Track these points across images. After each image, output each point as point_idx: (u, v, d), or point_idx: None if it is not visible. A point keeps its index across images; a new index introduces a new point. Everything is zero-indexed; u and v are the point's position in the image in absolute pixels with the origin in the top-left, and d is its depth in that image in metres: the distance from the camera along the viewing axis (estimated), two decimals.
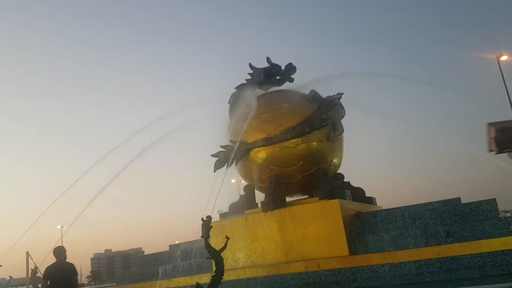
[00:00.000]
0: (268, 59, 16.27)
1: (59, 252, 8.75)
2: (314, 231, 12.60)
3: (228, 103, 17.15)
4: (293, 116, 14.22)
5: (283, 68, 15.94)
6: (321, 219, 12.60)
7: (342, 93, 14.82)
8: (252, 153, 14.43)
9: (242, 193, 16.09)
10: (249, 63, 16.56)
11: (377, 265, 10.64)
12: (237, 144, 14.42)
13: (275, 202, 13.63)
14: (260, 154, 14.30)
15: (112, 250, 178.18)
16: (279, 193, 14.11)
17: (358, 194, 14.62)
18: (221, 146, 14.90)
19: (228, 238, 10.77)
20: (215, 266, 10.55)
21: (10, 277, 20.34)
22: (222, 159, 14.78)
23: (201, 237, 10.76)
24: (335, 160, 14.79)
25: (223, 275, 10.44)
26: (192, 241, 16.55)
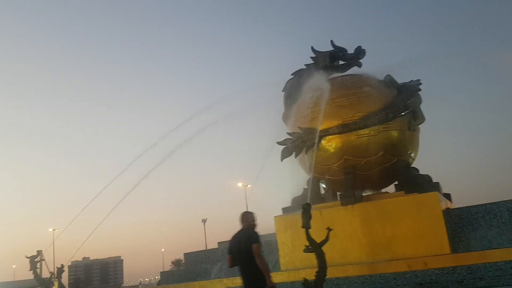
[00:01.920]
0: (332, 42, 15.01)
1: (243, 218, 7.04)
2: (408, 227, 11.24)
3: (283, 91, 15.88)
4: (373, 101, 12.90)
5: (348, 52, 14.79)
6: (416, 214, 11.26)
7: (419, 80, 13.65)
8: (324, 142, 13.04)
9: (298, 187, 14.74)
10: (312, 47, 15.27)
11: (500, 262, 9.28)
12: (307, 132, 13.06)
13: (356, 195, 12.27)
14: (334, 143, 12.92)
15: (90, 258, 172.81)
16: (356, 186, 12.75)
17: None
18: (289, 134, 13.49)
19: (330, 230, 9.37)
20: (318, 260, 9.17)
21: None
22: (290, 148, 13.37)
23: (302, 227, 9.38)
24: (414, 151, 13.50)
25: (327, 271, 9.10)
26: None
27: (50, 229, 78.60)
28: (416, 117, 13.26)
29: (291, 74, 15.68)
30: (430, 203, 11.19)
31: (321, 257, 9.17)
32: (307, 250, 9.43)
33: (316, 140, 12.88)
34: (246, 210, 7.48)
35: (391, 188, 13.86)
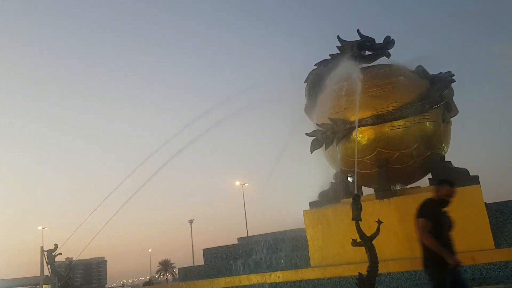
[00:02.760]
0: (359, 32, 14.54)
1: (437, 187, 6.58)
2: None
3: (305, 82, 15.37)
4: (408, 91, 12.44)
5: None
6: (458, 208, 10.74)
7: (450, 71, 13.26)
8: (355, 133, 12.54)
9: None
10: (338, 36, 14.79)
11: None
12: (338, 122, 12.56)
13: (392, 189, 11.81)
14: (367, 134, 12.41)
15: (74, 259, 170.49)
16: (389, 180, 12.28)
17: None
18: (318, 125, 12.96)
19: (380, 222, 8.87)
20: (369, 255, 8.67)
21: None
22: (320, 139, 12.85)
23: (352, 219, 8.87)
24: (446, 145, 13.07)
25: (378, 265, 8.61)
26: (267, 233, 14.57)
27: (40, 227, 77.59)
28: (449, 109, 12.84)
29: (315, 65, 15.19)
30: (472, 196, 10.76)
31: (372, 251, 8.69)
32: (355, 244, 8.92)
33: (356, 129, 12.40)
34: (444, 179, 6.85)
35: (420, 182, 13.47)
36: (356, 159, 11.08)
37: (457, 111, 13.00)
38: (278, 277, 11.39)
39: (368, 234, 9.10)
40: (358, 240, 8.96)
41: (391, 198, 11.56)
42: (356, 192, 9.21)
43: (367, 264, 8.92)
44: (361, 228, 8.77)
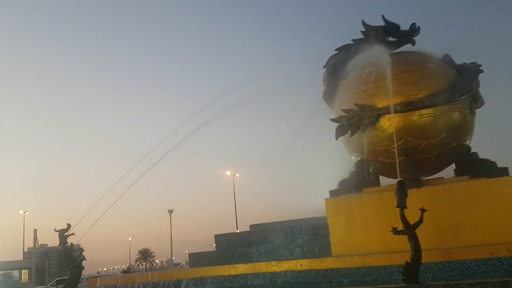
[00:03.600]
0: (384, 17, 14.14)
1: None
2: (479, 213, 10.52)
3: (324, 67, 14.95)
4: (438, 79, 12.11)
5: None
6: (489, 199, 10.55)
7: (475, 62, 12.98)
8: (383, 120, 12.17)
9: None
10: (362, 20, 14.36)
11: None
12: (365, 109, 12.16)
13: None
14: (395, 122, 12.04)
15: (48, 245, 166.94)
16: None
17: None
18: (343, 110, 12.54)
19: (424, 210, 8.54)
20: (412, 243, 8.34)
21: None
22: (346, 125, 12.43)
23: (397, 206, 8.52)
24: (471, 136, 12.80)
25: (421, 254, 8.28)
26: (281, 221, 14.16)
27: (21, 211, 75.88)
28: (476, 100, 12.57)
29: (335, 50, 14.77)
30: (505, 188, 10.50)
31: (416, 240, 8.35)
32: (397, 232, 8.60)
33: (373, 120, 12.05)
34: None
35: (443, 173, 13.21)
36: (395, 147, 10.68)
37: (483, 102, 12.74)
38: (301, 265, 10.98)
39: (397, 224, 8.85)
40: (399, 228, 8.65)
41: (420, 188, 11.21)
42: (401, 179, 8.75)
43: (409, 254, 8.63)
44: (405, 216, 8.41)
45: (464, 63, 13.03)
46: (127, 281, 12.76)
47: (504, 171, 11.23)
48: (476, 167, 11.64)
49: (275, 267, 11.00)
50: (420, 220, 8.40)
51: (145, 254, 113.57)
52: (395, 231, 8.56)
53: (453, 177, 12.22)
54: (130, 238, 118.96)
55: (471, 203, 10.67)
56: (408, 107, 11.83)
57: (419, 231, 11.03)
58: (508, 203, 10.35)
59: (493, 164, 11.63)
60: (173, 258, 79.49)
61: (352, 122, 12.30)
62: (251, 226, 14.24)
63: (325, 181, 14.66)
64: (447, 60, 12.87)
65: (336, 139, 12.62)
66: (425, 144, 12.04)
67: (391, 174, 13.25)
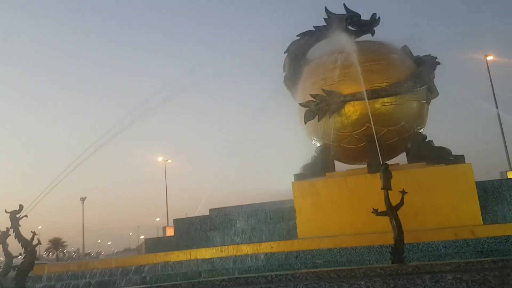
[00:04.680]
0: (345, 6, 14.46)
1: None
2: (440, 197, 11.19)
3: (285, 52, 15.02)
4: (401, 69, 12.65)
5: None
6: (449, 185, 11.24)
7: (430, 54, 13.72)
8: (348, 107, 12.47)
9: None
10: (325, 7, 14.58)
11: None
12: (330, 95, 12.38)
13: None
14: (360, 109, 12.40)
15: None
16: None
17: None
18: (312, 95, 12.65)
19: (404, 192, 8.88)
20: (395, 224, 8.64)
21: None
22: (314, 110, 12.56)
23: (382, 188, 8.77)
24: (425, 125, 13.54)
25: (403, 234, 8.62)
26: (243, 205, 14.07)
27: None
28: (431, 91, 13.30)
29: (297, 35, 14.86)
30: (464, 174, 11.26)
31: (398, 221, 8.67)
32: (379, 214, 8.88)
33: (339, 106, 12.32)
34: None
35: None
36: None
37: (438, 93, 13.50)
38: (272, 247, 11.01)
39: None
40: (380, 210, 8.94)
41: None
42: (385, 162, 9.03)
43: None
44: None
45: (418, 55, 13.74)
46: (79, 268, 12.02)
47: (460, 159, 11.99)
48: (432, 154, 12.32)
49: (246, 250, 10.92)
50: (401, 202, 8.73)
51: (57, 244, 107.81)
52: (376, 212, 8.83)
53: (410, 163, 12.83)
54: (39, 227, 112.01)
55: (432, 188, 11.29)
56: (373, 94, 12.21)
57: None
58: (467, 188, 11.09)
59: (448, 151, 12.39)
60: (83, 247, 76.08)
61: (320, 107, 12.46)
62: (211, 210, 13.97)
63: (283, 166, 14.83)
64: (407, 52, 13.46)
65: (305, 123, 12.75)
66: (385, 131, 12.51)
67: (351, 159, 13.71)
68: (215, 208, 14.05)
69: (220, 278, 5.90)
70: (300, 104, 12.82)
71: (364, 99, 12.24)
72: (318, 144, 13.63)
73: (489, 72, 25.17)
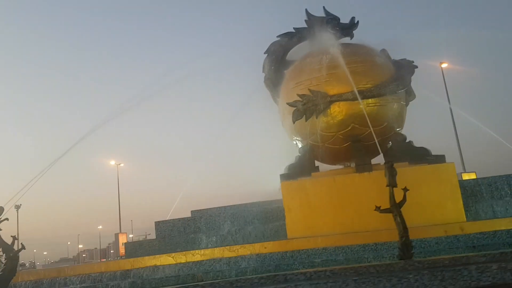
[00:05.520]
0: (325, 9, 14.69)
1: None
2: (424, 195, 11.53)
3: (265, 53, 15.02)
4: (383, 71, 12.97)
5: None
6: (433, 183, 11.63)
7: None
8: (334, 107, 12.63)
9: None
10: (306, 9, 14.74)
11: None
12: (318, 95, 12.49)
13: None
14: (345, 109, 12.59)
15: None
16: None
17: None
18: (299, 95, 12.67)
19: (406, 190, 9.06)
20: (400, 221, 8.78)
21: None
22: (301, 110, 12.59)
23: (387, 185, 8.89)
24: (403, 126, 13.96)
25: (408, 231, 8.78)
26: (226, 206, 13.82)
27: None
28: (409, 93, 13.75)
29: (277, 36, 14.91)
30: (448, 173, 11.69)
31: (402, 218, 8.82)
32: (382, 211, 9.00)
33: (325, 106, 12.46)
34: None
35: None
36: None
37: (415, 96, 13.98)
38: (265, 247, 10.90)
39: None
40: (382, 207, 9.08)
41: (371, 172, 11.90)
42: (389, 160, 9.18)
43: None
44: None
45: (395, 59, 14.18)
46: (57, 275, 11.30)
47: (441, 158, 12.46)
48: (414, 154, 12.72)
49: (239, 250, 10.74)
50: (404, 199, 8.90)
51: None
52: (379, 210, 8.95)
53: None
54: None
55: (418, 186, 11.59)
56: (359, 95, 12.41)
57: (371, 212, 11.77)
58: (451, 186, 11.53)
59: (429, 151, 12.84)
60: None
61: (307, 107, 12.52)
62: (192, 212, 13.59)
63: (265, 166, 14.75)
64: (386, 55, 13.84)
65: (294, 122, 12.72)
66: (368, 132, 12.75)
67: (334, 159, 13.87)
68: (197, 210, 13.70)
69: (259, 275, 5.71)
70: (287, 103, 12.81)
71: (350, 99, 12.45)
72: (300, 145, 13.70)
73: (444, 79, 26.50)
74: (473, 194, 12.08)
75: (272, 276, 5.82)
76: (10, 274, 9.26)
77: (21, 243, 9.45)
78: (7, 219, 9.28)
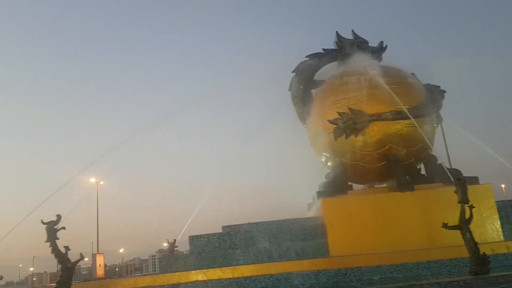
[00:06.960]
0: (353, 32, 15.07)
1: None
2: None
3: (293, 72, 15.18)
4: (418, 93, 13.35)
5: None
6: (473, 204, 11.89)
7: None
8: (372, 126, 12.80)
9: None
10: (336, 32, 15.06)
11: None
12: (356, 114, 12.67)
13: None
14: (383, 129, 12.80)
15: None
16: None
17: None
18: (339, 113, 12.77)
19: (472, 207, 9.20)
20: (469, 237, 8.87)
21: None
22: (342, 127, 12.67)
23: (459, 202, 9.00)
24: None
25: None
26: (262, 222, 13.53)
27: None
28: (438, 116, 14.16)
29: (306, 56, 15.10)
30: (486, 193, 12.01)
31: (471, 234, 8.92)
32: (450, 228, 9.08)
33: (365, 125, 12.63)
34: None
35: None
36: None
37: (442, 119, 14.40)
38: (315, 264, 10.73)
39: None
40: (449, 224, 9.16)
41: (413, 191, 12.05)
42: (458, 178, 9.34)
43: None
44: None
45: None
46: None
47: (475, 180, 12.79)
48: (447, 176, 13.00)
49: (287, 267, 10.54)
50: (471, 216, 9.04)
51: None
52: (446, 226, 9.04)
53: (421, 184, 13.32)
54: None
55: (457, 207, 11.85)
56: (397, 115, 12.68)
57: (413, 231, 11.88)
58: (489, 207, 11.83)
59: (460, 173, 13.18)
60: None
61: (347, 125, 12.63)
62: (224, 227, 13.24)
63: (294, 184, 14.69)
64: (416, 78, 14.24)
65: (336, 139, 12.76)
66: (404, 152, 13.00)
67: (366, 178, 13.98)
68: (228, 225, 13.38)
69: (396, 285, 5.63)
70: (329, 121, 12.87)
71: (389, 119, 12.69)
72: (330, 163, 13.78)
73: None
74: (506, 215, 12.42)
75: (408, 286, 5.75)
76: (66, 286, 8.67)
77: (80, 254, 8.89)
78: (64, 227, 8.74)
